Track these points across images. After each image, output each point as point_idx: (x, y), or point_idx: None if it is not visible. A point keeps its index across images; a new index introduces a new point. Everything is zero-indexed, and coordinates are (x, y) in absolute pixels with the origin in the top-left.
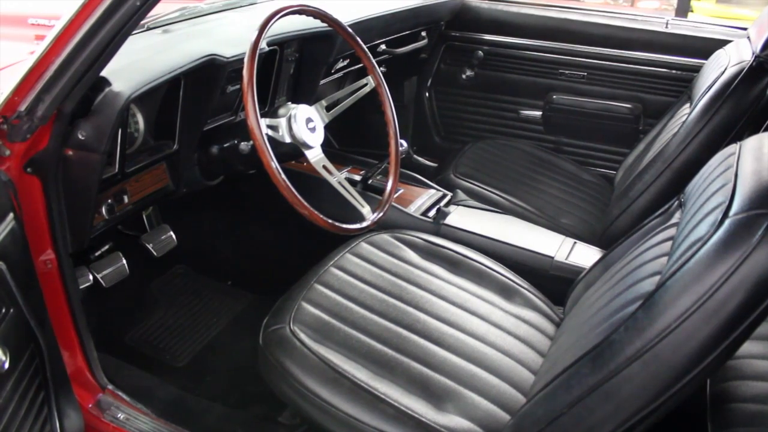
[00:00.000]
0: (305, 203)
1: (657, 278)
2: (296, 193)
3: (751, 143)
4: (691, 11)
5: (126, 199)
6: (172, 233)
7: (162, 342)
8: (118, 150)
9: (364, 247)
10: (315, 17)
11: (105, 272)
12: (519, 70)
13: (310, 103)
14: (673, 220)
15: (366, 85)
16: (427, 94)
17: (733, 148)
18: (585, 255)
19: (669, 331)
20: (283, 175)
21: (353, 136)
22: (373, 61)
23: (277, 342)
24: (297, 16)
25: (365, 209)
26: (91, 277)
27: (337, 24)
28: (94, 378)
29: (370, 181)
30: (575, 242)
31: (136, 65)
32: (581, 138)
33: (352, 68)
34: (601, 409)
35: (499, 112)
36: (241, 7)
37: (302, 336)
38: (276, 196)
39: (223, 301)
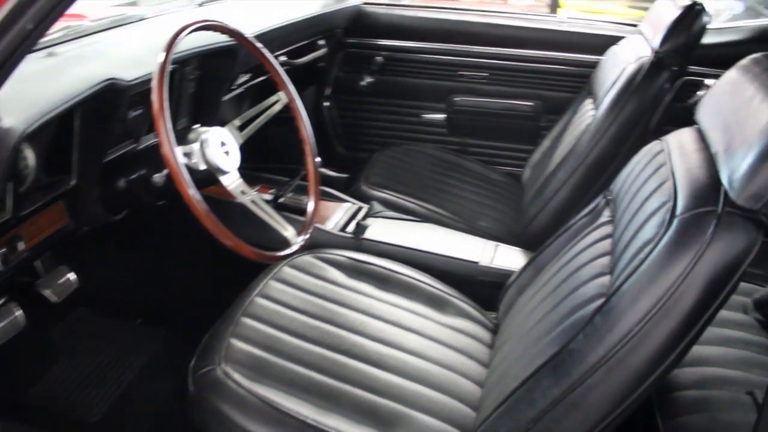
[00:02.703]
0: (230, 233)
1: (603, 279)
2: (220, 223)
3: (674, 140)
4: (560, 6)
5: (21, 245)
6: (71, 275)
7: (70, 396)
8: (12, 192)
9: (287, 271)
10: (222, 33)
11: None
12: (419, 73)
13: (214, 122)
14: (603, 219)
15: (278, 101)
16: (326, 104)
17: (658, 145)
18: (509, 257)
19: (631, 336)
20: (205, 206)
21: (257, 152)
22: (285, 76)
23: (209, 385)
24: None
25: (290, 232)
26: None
27: (245, 40)
28: None
29: (281, 200)
30: (497, 245)
31: (24, 95)
32: (486, 138)
33: (253, 82)
34: (568, 419)
35: (402, 117)
36: (130, 23)
37: (236, 376)
38: (183, 226)
39: (135, 341)
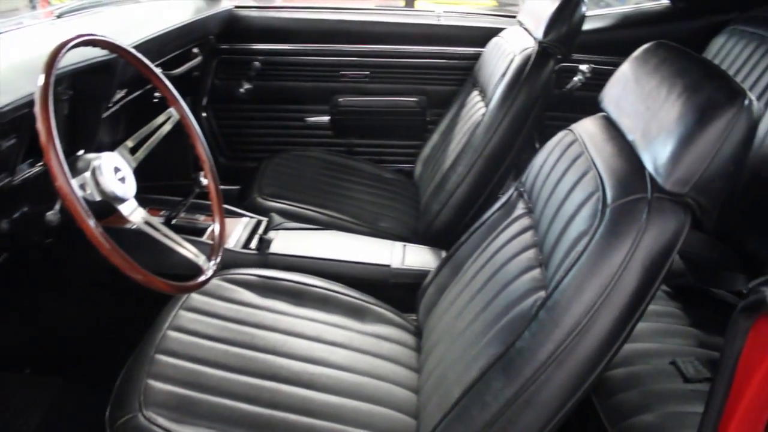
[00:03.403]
0: (140, 268)
1: (534, 273)
2: (130, 258)
3: (582, 130)
4: None
5: None
6: None
7: None
8: None
9: (196, 298)
10: (104, 47)
11: None
12: (300, 76)
13: (93, 145)
14: (519, 211)
15: (169, 118)
16: (204, 114)
17: (569, 135)
18: (420, 257)
19: (579, 328)
20: (111, 241)
21: (139, 171)
22: (175, 91)
23: None
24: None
25: (201, 258)
26: None
27: (131, 55)
28: None
29: (174, 222)
30: (404, 245)
31: None
32: (373, 137)
33: (129, 98)
34: (523, 418)
35: (285, 123)
36: None
37: (161, 420)
38: (71, 262)
39: (27, 394)
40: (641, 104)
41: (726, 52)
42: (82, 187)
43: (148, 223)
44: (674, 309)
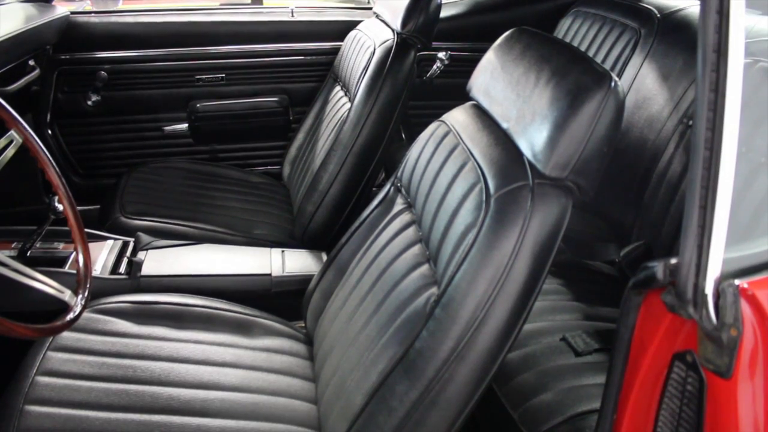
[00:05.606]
0: None
1: (423, 269)
2: None
3: (454, 121)
4: None
5: None
6: None
7: None
8: None
9: (66, 336)
10: None
11: None
12: (152, 84)
13: None
14: (399, 207)
15: (12, 142)
16: (49, 131)
17: (442, 127)
18: (300, 262)
19: (477, 321)
20: None
21: None
22: (12, 110)
23: None
24: None
25: (66, 294)
26: None
27: None
28: None
29: (30, 253)
30: (283, 251)
31: None
32: (235, 141)
33: None
34: (431, 418)
35: (141, 134)
36: None
37: None
38: None
39: None
40: (511, 91)
41: (573, 32)
42: None
43: None
44: (557, 286)
